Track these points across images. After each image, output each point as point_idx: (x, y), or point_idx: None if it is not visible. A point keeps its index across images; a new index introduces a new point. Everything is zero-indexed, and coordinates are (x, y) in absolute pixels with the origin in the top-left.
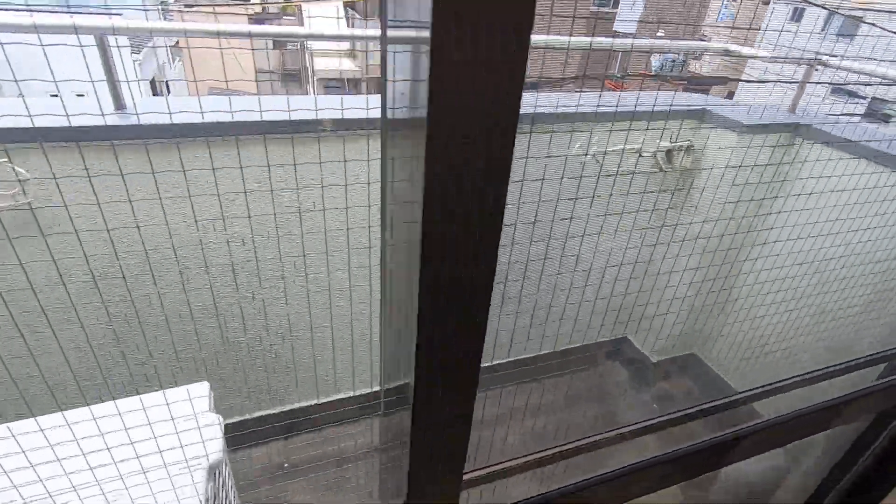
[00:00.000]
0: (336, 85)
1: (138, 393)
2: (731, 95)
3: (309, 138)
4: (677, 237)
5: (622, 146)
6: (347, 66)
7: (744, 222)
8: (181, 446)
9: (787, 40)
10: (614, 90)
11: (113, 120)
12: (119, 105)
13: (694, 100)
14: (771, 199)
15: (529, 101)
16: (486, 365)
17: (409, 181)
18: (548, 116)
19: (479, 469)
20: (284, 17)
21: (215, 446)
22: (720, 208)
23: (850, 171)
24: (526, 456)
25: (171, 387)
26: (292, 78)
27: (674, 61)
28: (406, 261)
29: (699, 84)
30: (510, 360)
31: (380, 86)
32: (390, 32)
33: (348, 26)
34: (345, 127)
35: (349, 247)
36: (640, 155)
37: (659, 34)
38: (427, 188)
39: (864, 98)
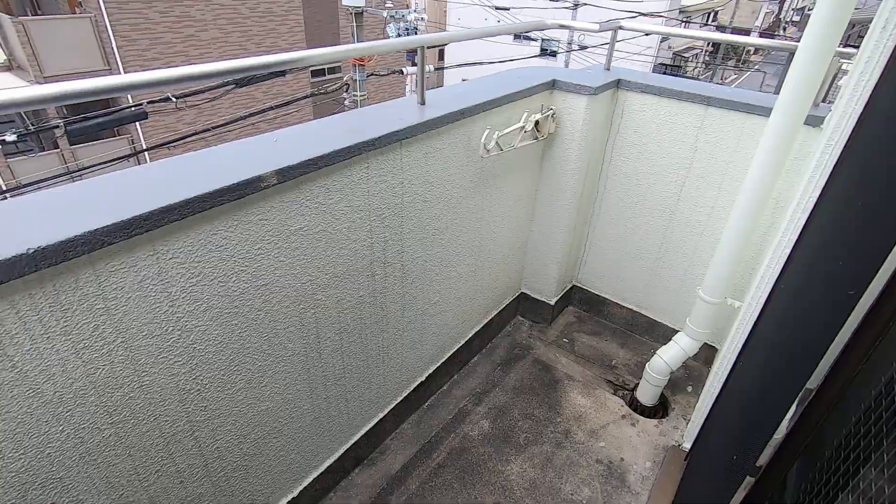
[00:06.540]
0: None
1: None
2: (441, 52)
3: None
4: (550, 191)
5: (509, 129)
6: (11, 81)
7: (593, 169)
8: None
9: None
10: (360, 64)
11: None
12: None
13: (545, 72)
14: (611, 144)
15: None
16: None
17: None
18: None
19: None
20: None
21: None
22: (578, 162)
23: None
24: None
25: None
26: None
27: (407, 29)
28: None
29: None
30: (449, 355)
31: None
32: None
33: None
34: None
35: None
36: (524, 130)
37: (388, 4)
38: None
39: (536, 40)
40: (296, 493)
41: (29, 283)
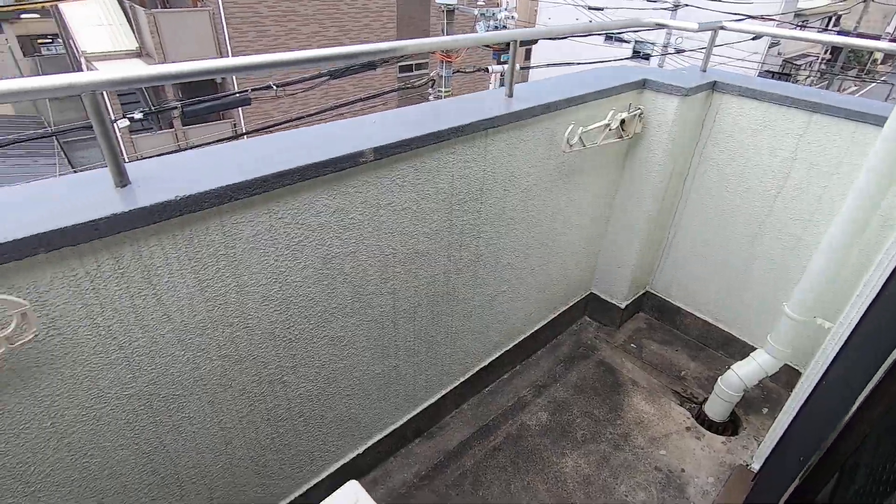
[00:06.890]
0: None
1: None
2: (528, 52)
3: None
4: (630, 192)
5: (593, 125)
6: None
7: (679, 172)
8: None
9: None
10: (447, 60)
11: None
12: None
13: (634, 72)
14: (701, 149)
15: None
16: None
17: None
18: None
19: None
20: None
21: None
22: (663, 164)
23: (756, 113)
24: None
25: None
26: None
27: (496, 27)
28: None
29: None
30: (513, 345)
31: None
32: None
33: (129, 17)
34: None
35: None
36: (609, 128)
37: (479, 2)
38: None
39: (628, 42)
40: (361, 450)
41: (172, 225)
